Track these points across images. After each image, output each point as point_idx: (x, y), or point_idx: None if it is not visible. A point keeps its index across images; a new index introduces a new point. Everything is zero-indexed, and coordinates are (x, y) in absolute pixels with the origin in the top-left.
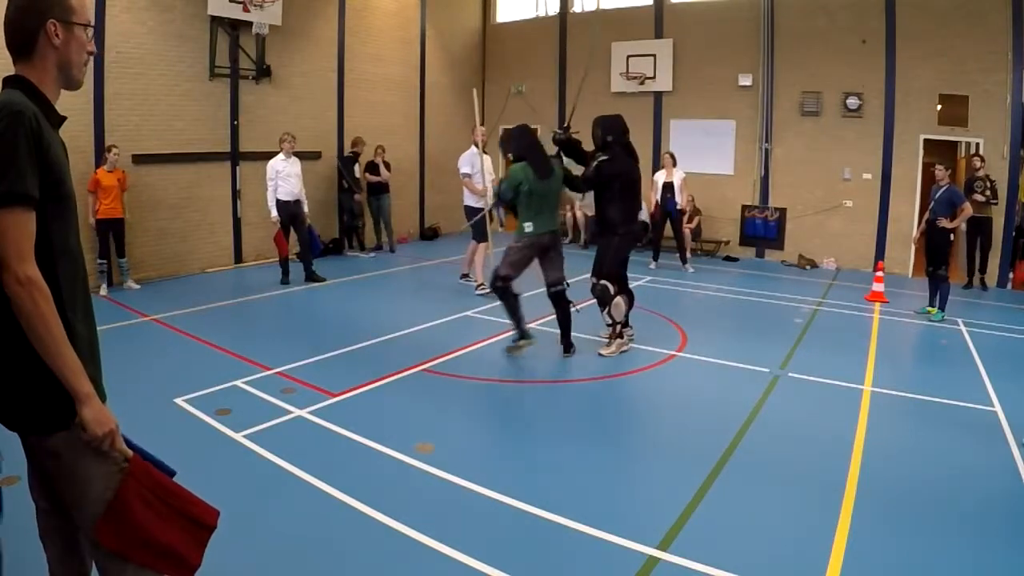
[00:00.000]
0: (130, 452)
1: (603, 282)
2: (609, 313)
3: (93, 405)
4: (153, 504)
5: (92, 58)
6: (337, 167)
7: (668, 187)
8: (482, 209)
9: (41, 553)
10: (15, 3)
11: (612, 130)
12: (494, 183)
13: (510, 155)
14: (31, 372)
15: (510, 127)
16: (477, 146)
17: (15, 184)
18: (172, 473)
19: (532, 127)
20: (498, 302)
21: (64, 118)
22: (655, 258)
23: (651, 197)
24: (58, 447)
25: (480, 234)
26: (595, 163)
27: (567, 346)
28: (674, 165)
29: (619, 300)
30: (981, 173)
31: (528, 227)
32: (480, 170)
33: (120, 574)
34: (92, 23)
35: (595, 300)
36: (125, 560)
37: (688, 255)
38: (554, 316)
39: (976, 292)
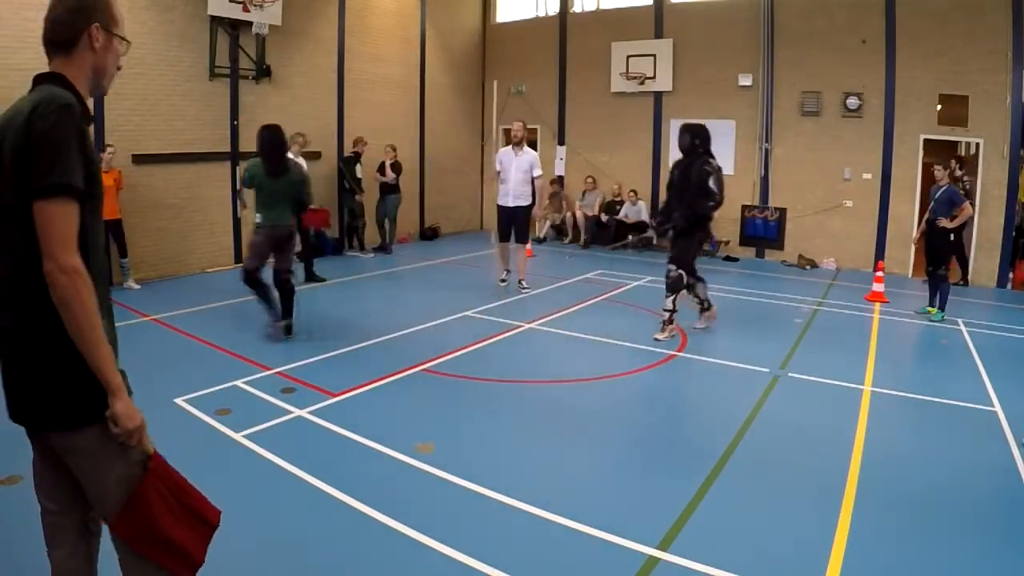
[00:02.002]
0: (152, 448)
1: (680, 271)
2: (695, 293)
3: (124, 399)
4: (168, 501)
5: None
6: (338, 167)
7: None
8: (501, 207)
9: (41, 553)
10: (64, 1)
11: (700, 135)
12: (537, 183)
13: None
14: (58, 367)
15: (267, 124)
16: (519, 143)
17: (65, 175)
18: None
19: (279, 128)
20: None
21: (93, 117)
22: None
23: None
24: (82, 443)
25: (501, 234)
26: (715, 167)
27: (287, 328)
28: None
29: (698, 284)
30: (958, 174)
31: (258, 218)
32: (507, 167)
33: (138, 567)
34: (129, 42)
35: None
36: (137, 555)
37: None
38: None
39: (958, 289)
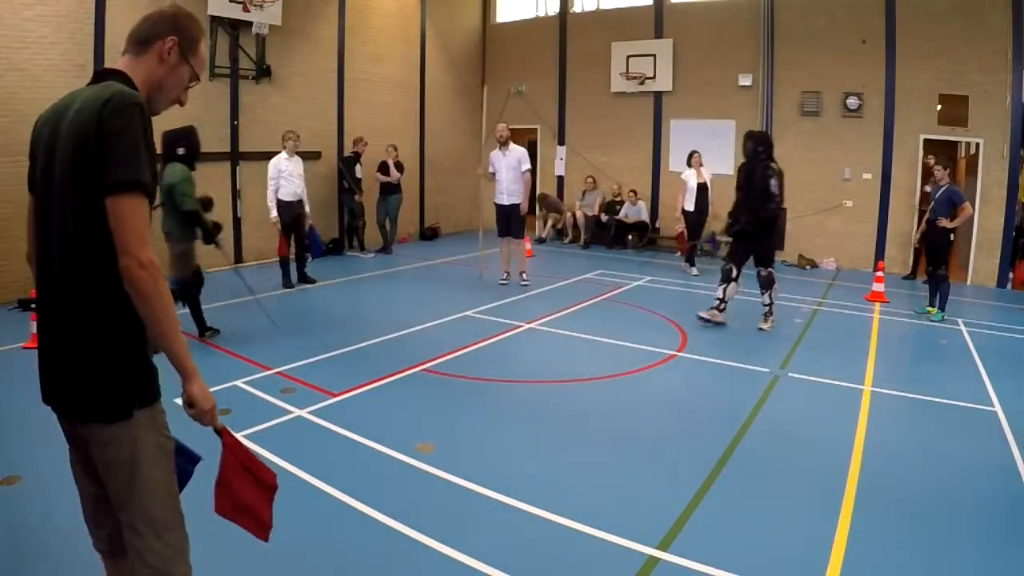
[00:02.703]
0: (222, 424)
1: (770, 270)
2: (771, 295)
3: (199, 382)
4: (240, 472)
5: (176, 103)
6: (338, 167)
7: (702, 188)
8: (497, 204)
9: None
10: (162, 10)
11: (763, 143)
12: (525, 177)
13: None
14: (99, 362)
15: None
16: (505, 143)
17: (139, 172)
18: (198, 459)
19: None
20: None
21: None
22: (692, 264)
23: (680, 199)
24: (110, 436)
25: (500, 230)
26: (776, 170)
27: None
28: (701, 165)
29: (732, 283)
30: (933, 170)
31: None
32: (498, 167)
33: (145, 548)
34: (198, 80)
35: (720, 281)
36: (229, 519)
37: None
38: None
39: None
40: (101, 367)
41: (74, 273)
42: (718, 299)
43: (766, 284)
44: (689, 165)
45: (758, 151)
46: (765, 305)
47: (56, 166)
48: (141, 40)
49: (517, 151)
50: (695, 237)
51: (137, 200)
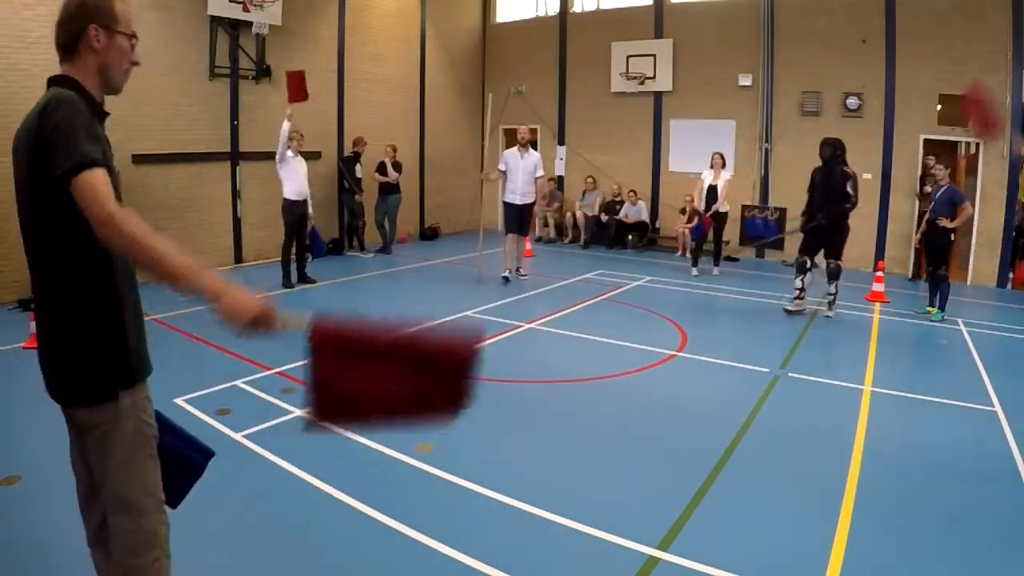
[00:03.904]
0: (306, 318)
1: (838, 262)
2: (837, 284)
3: (227, 295)
4: (343, 362)
5: (134, 67)
6: (338, 167)
7: (711, 189)
8: (509, 204)
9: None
10: (65, 6)
11: (840, 147)
12: (542, 180)
13: None
14: (79, 350)
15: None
16: (525, 146)
17: (86, 152)
18: (211, 453)
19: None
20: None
21: (107, 113)
22: (695, 264)
23: (695, 198)
24: (97, 419)
25: (509, 228)
26: (852, 173)
27: None
28: (723, 166)
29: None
30: (933, 171)
31: None
32: (514, 168)
33: (124, 533)
34: (135, 35)
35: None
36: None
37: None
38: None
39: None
40: (78, 354)
41: (43, 268)
42: (797, 289)
43: (834, 275)
44: (711, 165)
45: (836, 155)
46: (830, 294)
47: (22, 176)
48: (67, 46)
49: (535, 156)
50: (701, 238)
51: (93, 175)
